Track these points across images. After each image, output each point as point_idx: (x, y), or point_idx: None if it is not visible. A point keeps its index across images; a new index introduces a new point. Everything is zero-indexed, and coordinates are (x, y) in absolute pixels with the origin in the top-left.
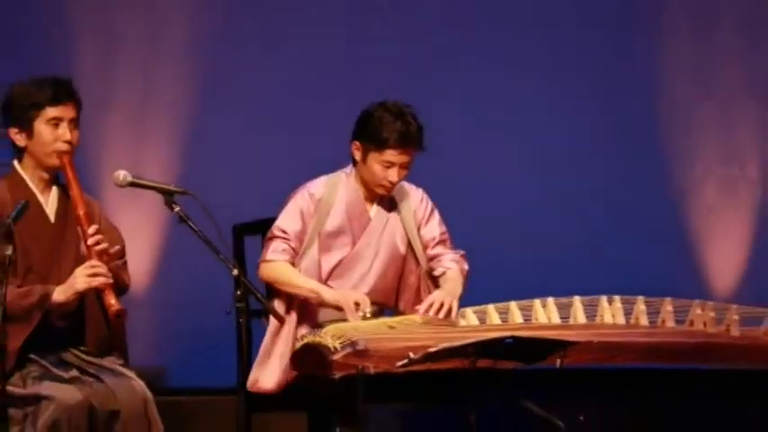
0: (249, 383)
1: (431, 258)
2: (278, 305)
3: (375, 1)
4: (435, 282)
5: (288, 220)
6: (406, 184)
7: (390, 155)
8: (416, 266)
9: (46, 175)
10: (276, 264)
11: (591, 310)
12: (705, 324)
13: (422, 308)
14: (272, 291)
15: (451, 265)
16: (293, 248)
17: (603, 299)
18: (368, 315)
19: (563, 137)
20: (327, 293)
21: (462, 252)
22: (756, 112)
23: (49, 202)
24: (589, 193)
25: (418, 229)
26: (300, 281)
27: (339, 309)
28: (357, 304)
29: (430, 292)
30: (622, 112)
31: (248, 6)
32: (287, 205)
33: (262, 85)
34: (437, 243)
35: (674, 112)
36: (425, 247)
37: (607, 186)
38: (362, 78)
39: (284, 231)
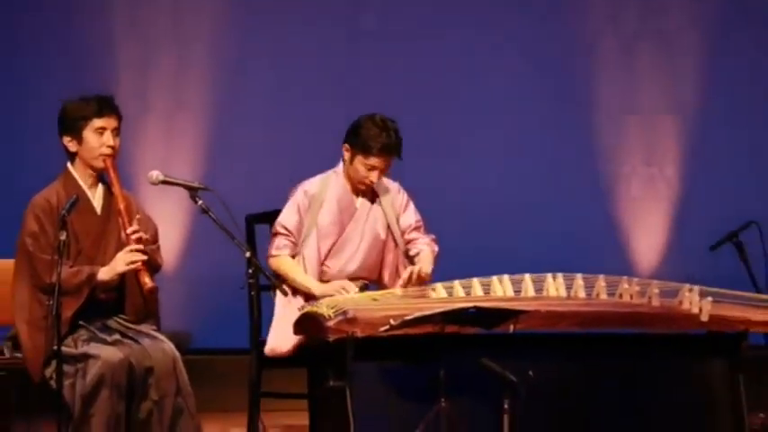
0: (267, 350)
1: (408, 242)
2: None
3: (371, 20)
4: (411, 260)
5: (287, 217)
6: (385, 179)
7: (373, 161)
8: (395, 248)
9: (93, 175)
10: (280, 258)
11: (538, 285)
12: (631, 296)
13: (401, 281)
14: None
15: (424, 247)
16: (293, 243)
17: (549, 276)
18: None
19: (520, 144)
20: (317, 289)
21: (433, 236)
22: (673, 123)
23: (96, 197)
24: (539, 189)
25: (397, 218)
26: (298, 278)
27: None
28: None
29: (406, 268)
30: (565, 121)
31: (263, 27)
32: (287, 202)
33: (273, 96)
34: (413, 229)
35: (606, 122)
36: (403, 233)
37: (553, 182)
38: (360, 87)
39: (285, 227)
